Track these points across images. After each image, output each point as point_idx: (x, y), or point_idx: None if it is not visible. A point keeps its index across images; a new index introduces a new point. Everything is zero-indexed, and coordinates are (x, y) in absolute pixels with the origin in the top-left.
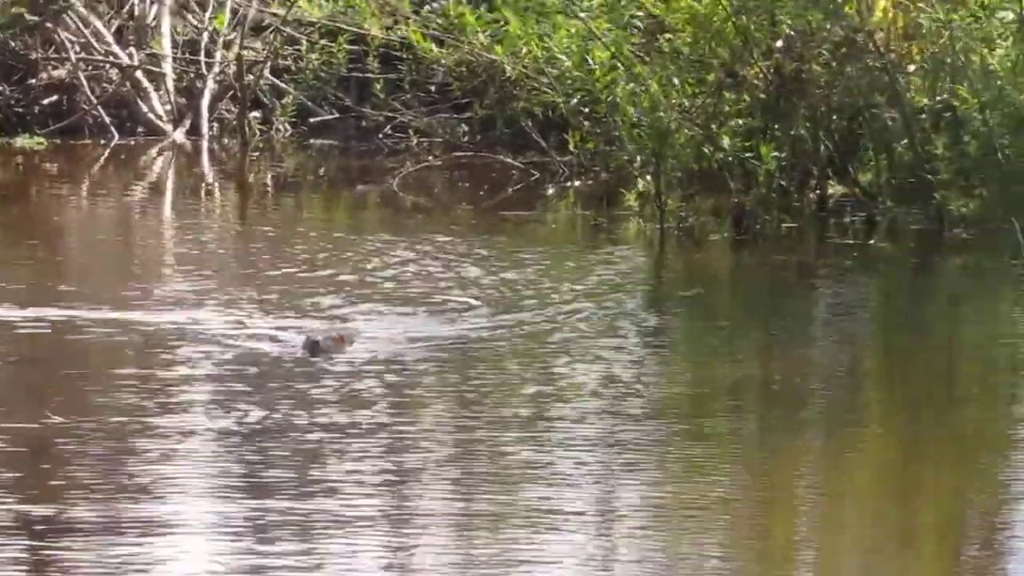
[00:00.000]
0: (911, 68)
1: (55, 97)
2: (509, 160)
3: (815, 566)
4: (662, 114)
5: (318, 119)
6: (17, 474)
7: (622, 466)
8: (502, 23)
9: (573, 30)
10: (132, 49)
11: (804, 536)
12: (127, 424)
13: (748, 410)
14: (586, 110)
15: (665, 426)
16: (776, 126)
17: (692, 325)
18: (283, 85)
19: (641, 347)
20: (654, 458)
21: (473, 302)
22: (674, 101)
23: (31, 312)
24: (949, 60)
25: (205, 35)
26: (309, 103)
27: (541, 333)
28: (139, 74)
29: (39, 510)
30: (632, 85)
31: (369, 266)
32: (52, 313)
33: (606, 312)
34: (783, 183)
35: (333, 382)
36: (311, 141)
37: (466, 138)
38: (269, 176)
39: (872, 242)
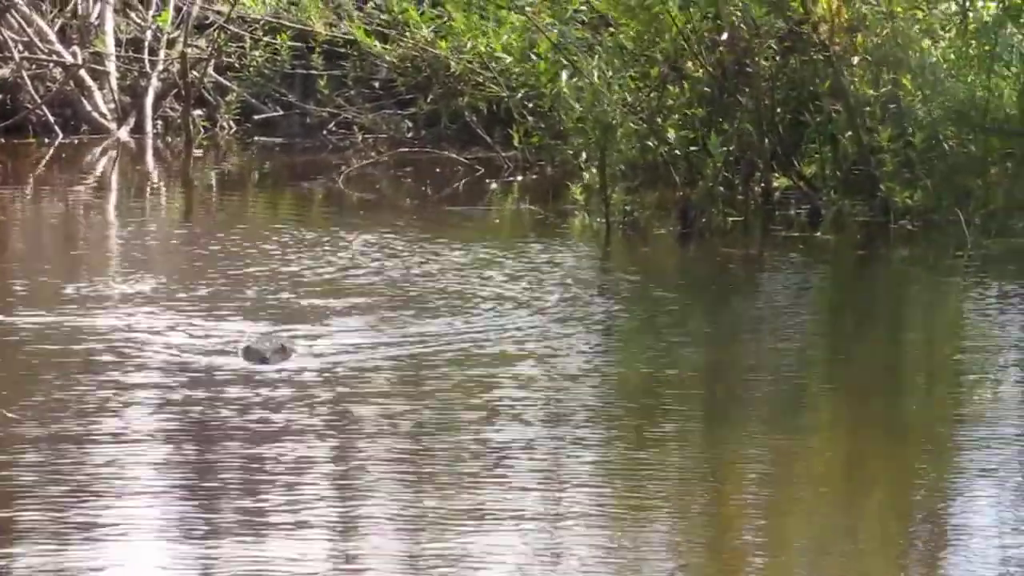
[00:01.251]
0: (855, 60)
1: None
2: (454, 156)
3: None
4: (606, 108)
5: (262, 116)
6: None
7: (568, 464)
8: (446, 18)
9: (517, 24)
10: (75, 48)
11: (753, 531)
12: (66, 428)
13: (689, 402)
14: (530, 105)
15: (610, 422)
16: (720, 119)
17: (635, 318)
18: (227, 82)
19: (585, 342)
20: (601, 456)
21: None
22: (617, 96)
23: None
24: (892, 52)
25: (149, 33)
26: (253, 100)
27: (484, 330)
28: (83, 73)
29: None
30: (576, 79)
31: (313, 264)
32: None
33: (551, 306)
34: (728, 176)
35: (278, 387)
36: (255, 138)
37: (411, 134)
38: (213, 174)
39: (818, 234)
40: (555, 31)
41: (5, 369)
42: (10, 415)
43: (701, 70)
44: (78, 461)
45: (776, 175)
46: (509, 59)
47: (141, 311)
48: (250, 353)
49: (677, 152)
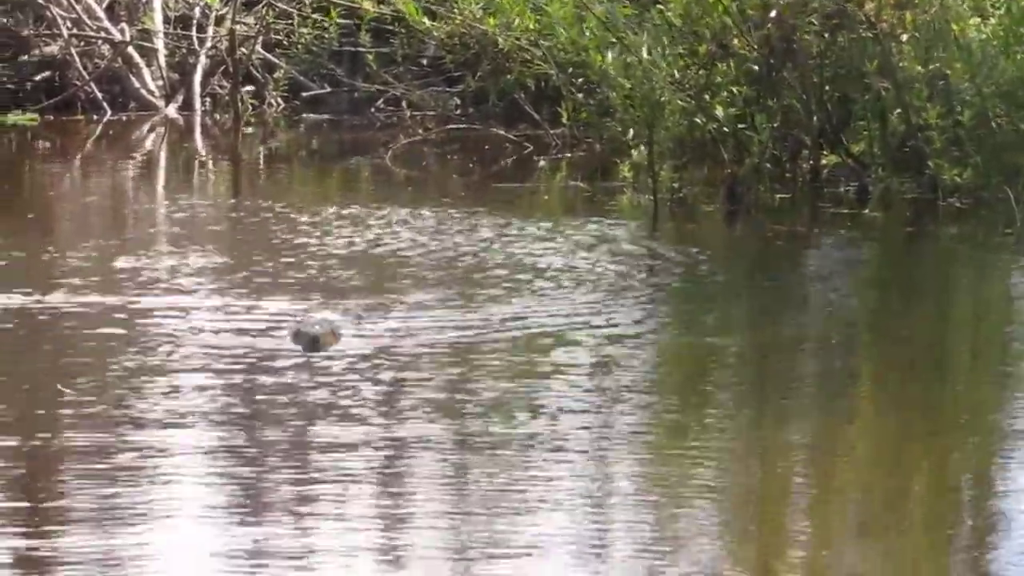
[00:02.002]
0: (903, 37)
1: (47, 73)
2: (502, 132)
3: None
4: (654, 85)
5: (310, 93)
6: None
7: (617, 441)
8: None
9: (566, 1)
10: (124, 25)
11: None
12: (114, 408)
13: (739, 377)
14: (579, 81)
15: (662, 396)
16: (768, 97)
17: (686, 295)
18: (275, 59)
19: (635, 318)
20: (654, 432)
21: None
22: (665, 73)
23: (20, 296)
24: (941, 29)
25: (197, 10)
26: (301, 77)
27: (534, 308)
28: (131, 50)
29: (31, 503)
30: (624, 56)
31: (361, 241)
32: (37, 295)
33: (601, 284)
34: (775, 153)
35: (327, 370)
36: (303, 115)
37: (459, 111)
38: (262, 151)
39: (866, 212)
40: (602, 7)
41: (57, 347)
42: (66, 390)
43: (748, 47)
44: (127, 443)
45: (824, 152)
46: (561, 34)
47: (190, 290)
48: (300, 336)
49: (725, 129)
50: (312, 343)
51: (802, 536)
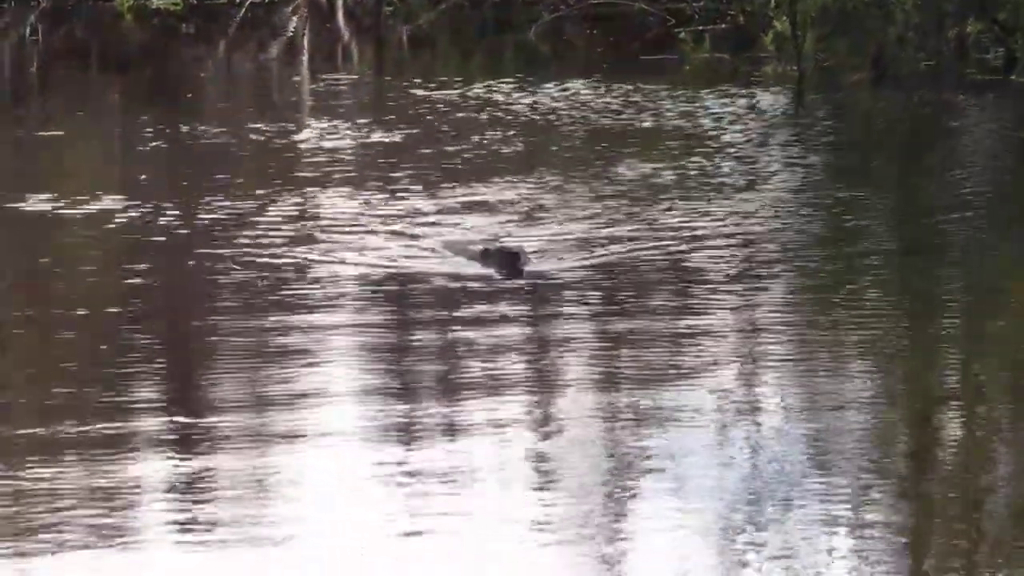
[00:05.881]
0: None
1: None
2: (644, 7)
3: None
4: None
5: None
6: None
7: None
8: None
9: None
10: None
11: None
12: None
13: (881, 241)
14: None
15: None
16: None
17: (834, 166)
18: None
19: (784, 190)
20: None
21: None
22: None
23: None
24: None
25: None
26: None
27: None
28: None
29: (185, 421)
30: None
31: (517, 116)
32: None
33: (748, 156)
34: (920, 22)
35: (519, 294)
36: None
37: None
38: (404, 31)
39: (1012, 78)
40: None
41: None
42: (263, 282)
43: None
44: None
45: (969, 20)
46: None
47: (347, 193)
48: (488, 256)
49: None
50: (502, 263)
51: None
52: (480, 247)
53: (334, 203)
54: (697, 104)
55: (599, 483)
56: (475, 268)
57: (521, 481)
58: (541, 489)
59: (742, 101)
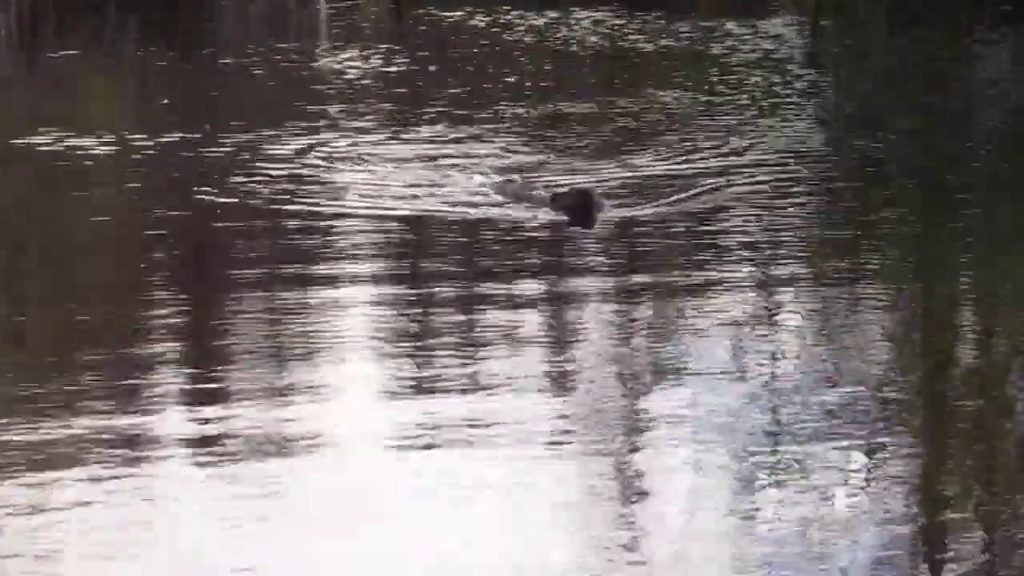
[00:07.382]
0: None
1: None
2: None
3: None
4: None
5: None
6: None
7: None
8: None
9: None
10: None
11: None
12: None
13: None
14: None
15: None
16: None
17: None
18: None
19: (805, 116)
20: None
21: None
22: None
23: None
24: None
25: None
26: None
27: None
28: None
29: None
30: None
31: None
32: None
33: (765, 84)
34: None
35: (586, 242)
36: None
37: None
38: None
39: None
40: None
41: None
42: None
43: None
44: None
45: None
46: None
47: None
48: (559, 200)
49: None
50: (579, 209)
51: None
52: (548, 193)
53: (380, 139)
54: (709, 35)
55: None
56: (547, 213)
57: None
58: None
59: (756, 29)
